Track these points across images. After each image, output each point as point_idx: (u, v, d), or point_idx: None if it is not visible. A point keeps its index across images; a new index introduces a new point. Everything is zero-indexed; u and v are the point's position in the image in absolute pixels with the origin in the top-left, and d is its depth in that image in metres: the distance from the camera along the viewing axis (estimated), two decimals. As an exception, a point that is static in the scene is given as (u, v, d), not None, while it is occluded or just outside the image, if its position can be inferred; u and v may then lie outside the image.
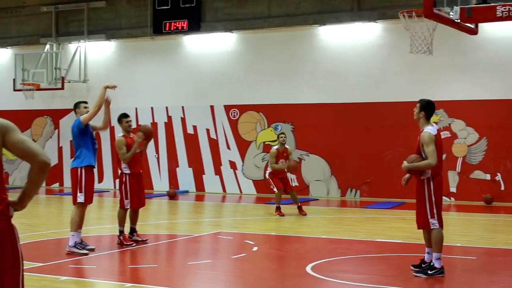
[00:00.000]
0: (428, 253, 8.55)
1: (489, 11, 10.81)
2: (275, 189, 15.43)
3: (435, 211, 8.32)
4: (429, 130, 8.35)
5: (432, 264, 8.39)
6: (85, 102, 10.62)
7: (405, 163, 8.39)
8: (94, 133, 10.51)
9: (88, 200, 10.28)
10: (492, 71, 18.33)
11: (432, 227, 8.35)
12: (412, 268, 8.65)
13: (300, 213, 15.37)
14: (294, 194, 15.61)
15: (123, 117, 11.20)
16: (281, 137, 15.74)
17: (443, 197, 18.20)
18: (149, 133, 11.24)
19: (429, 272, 8.34)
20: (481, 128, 18.36)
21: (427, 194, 8.35)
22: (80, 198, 10.19)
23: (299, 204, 15.56)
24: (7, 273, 3.98)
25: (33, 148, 3.99)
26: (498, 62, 18.27)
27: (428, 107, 8.50)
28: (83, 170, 10.22)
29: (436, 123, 18.56)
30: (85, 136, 10.29)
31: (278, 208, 15.39)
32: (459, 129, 18.54)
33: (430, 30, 13.13)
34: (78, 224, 10.18)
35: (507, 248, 11.00)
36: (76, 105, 10.56)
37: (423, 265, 8.54)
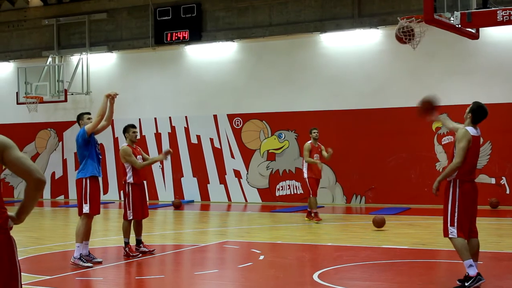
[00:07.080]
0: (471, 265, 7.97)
1: (490, 15, 10.81)
2: (310, 194, 15.53)
3: (455, 219, 7.93)
4: (468, 128, 8.10)
5: (466, 274, 7.86)
6: (88, 113, 10.67)
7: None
8: (98, 145, 10.55)
9: (94, 210, 10.26)
10: (493, 75, 18.33)
11: (450, 236, 7.95)
12: (458, 282, 8.04)
13: (313, 219, 15.59)
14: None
15: (130, 127, 11.23)
16: (314, 132, 15.63)
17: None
18: None
19: (466, 284, 7.80)
20: (485, 132, 18.08)
21: (450, 199, 8.02)
22: (86, 208, 10.21)
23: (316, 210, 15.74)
24: (4, 286, 4.02)
25: (29, 165, 4.09)
26: (499, 66, 18.27)
27: (477, 111, 8.20)
28: (88, 181, 10.23)
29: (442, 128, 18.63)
30: (89, 146, 10.30)
31: (315, 214, 15.55)
32: (462, 133, 18.49)
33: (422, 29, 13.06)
34: (83, 236, 10.19)
35: (514, 252, 10.98)
36: (79, 117, 10.60)
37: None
